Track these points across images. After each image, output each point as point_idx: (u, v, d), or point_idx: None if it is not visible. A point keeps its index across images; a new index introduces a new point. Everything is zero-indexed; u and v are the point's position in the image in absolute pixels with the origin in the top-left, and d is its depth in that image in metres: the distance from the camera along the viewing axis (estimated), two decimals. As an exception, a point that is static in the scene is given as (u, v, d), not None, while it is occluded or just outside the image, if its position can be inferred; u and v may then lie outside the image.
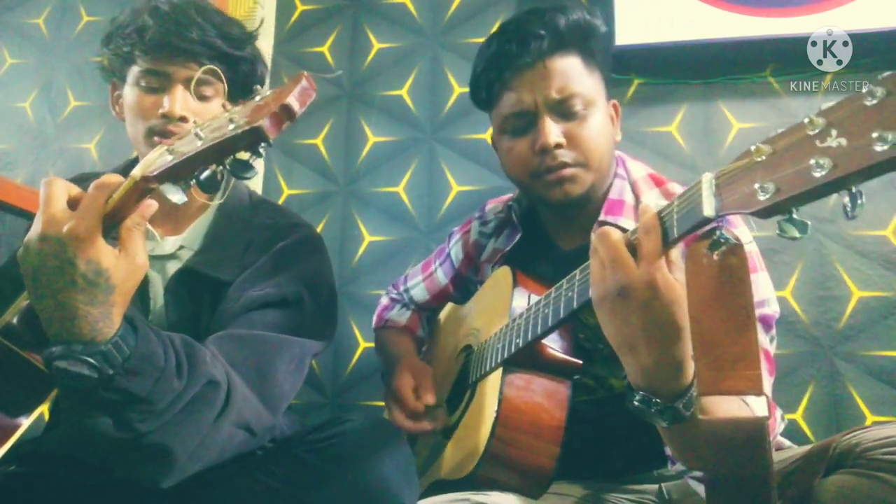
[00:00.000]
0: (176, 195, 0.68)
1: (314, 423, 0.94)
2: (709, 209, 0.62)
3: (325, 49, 2.11)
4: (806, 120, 0.54)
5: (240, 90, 1.09)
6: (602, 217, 1.10)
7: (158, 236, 1.08)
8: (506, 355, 0.98)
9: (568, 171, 1.06)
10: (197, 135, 0.67)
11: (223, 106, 1.08)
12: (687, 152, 1.78)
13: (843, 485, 0.70)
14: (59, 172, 2.19)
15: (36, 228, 0.68)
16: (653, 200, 1.10)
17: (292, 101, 0.64)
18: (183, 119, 1.01)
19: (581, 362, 0.99)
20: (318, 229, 1.15)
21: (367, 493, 0.83)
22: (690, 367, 0.72)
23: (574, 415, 0.97)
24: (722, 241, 0.63)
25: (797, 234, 0.56)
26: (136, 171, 0.69)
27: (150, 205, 0.72)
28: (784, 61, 1.73)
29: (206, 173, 0.68)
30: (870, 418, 1.55)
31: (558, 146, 1.05)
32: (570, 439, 0.96)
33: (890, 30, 1.61)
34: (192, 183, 0.69)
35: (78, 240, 0.66)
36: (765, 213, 0.56)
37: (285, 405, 0.92)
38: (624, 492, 1.05)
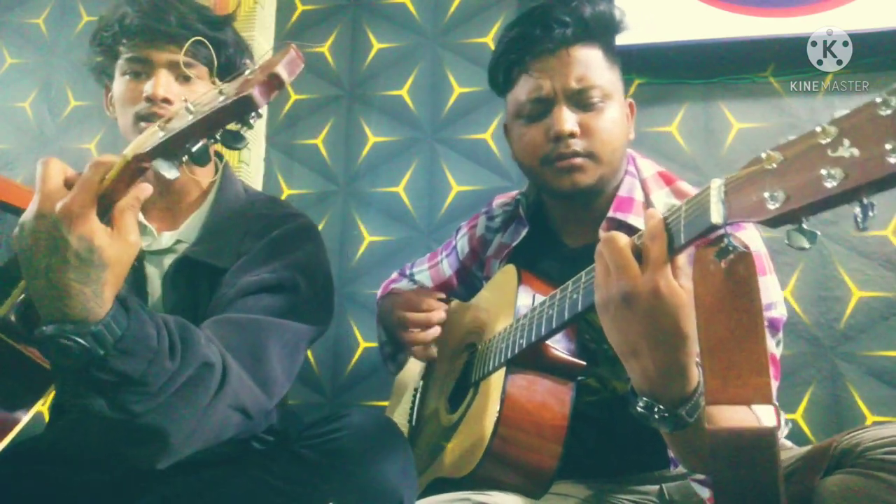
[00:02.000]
0: (169, 171, 0.69)
1: (313, 419, 0.94)
2: (716, 216, 0.61)
3: (325, 49, 2.11)
4: (818, 128, 0.52)
5: (225, 75, 1.08)
6: (611, 214, 1.09)
7: (155, 232, 1.08)
8: (509, 355, 0.98)
9: (578, 161, 1.06)
10: (188, 109, 0.68)
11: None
12: (687, 152, 1.78)
13: (843, 484, 0.70)
14: (59, 172, 2.19)
15: (32, 207, 0.68)
16: (662, 199, 1.10)
17: (281, 70, 0.65)
18: (167, 101, 1.02)
19: (585, 363, 0.99)
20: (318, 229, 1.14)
21: (366, 489, 0.82)
22: (695, 374, 0.71)
23: (577, 415, 0.97)
24: (730, 248, 0.63)
25: (806, 245, 0.55)
26: (129, 151, 0.70)
27: (144, 187, 0.72)
28: (784, 61, 1.73)
29: (197, 146, 0.69)
30: (870, 418, 1.55)
31: (572, 135, 1.05)
32: (573, 440, 0.96)
33: (890, 30, 1.61)
34: (184, 158, 0.69)
35: (71, 216, 0.66)
36: (773, 222, 0.56)
37: (281, 390, 0.91)
38: (625, 492, 1.05)
